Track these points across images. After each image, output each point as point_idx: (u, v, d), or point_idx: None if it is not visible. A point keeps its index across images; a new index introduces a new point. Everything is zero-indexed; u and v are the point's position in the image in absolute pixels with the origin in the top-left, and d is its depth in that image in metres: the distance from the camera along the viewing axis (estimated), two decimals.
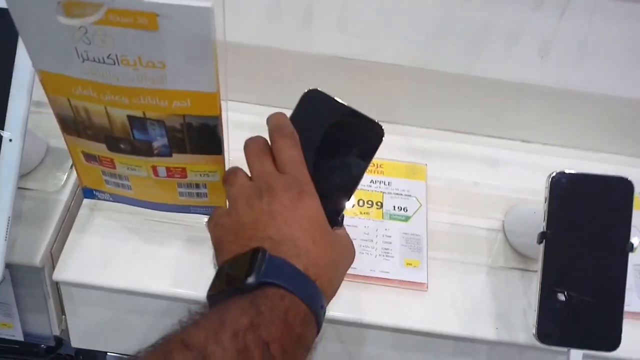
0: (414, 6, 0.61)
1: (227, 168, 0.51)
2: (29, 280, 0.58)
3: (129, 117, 0.47)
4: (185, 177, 0.53)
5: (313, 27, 0.62)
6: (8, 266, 0.56)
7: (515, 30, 0.62)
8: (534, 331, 0.52)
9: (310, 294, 0.36)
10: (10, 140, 0.49)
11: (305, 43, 0.63)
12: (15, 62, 0.48)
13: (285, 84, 0.66)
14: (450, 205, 0.66)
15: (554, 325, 0.51)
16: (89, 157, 0.52)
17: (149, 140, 0.49)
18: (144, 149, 0.50)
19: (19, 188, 0.60)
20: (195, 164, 0.51)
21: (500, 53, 0.63)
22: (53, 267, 0.57)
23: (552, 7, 0.60)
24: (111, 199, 0.57)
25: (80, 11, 0.39)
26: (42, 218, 0.58)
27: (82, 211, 0.60)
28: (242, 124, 0.61)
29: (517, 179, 0.69)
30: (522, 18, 0.61)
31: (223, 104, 0.47)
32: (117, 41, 0.41)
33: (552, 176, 0.52)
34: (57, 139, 0.51)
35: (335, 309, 0.56)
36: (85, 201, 0.60)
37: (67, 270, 0.56)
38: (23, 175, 0.61)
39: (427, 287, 0.60)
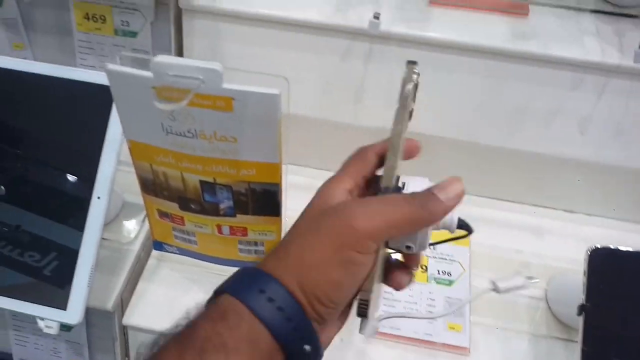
0: (456, 84, 0.66)
1: (283, 228, 0.56)
2: (100, 323, 0.64)
3: (201, 182, 0.53)
4: (246, 235, 0.58)
5: (364, 103, 0.68)
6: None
7: (554, 107, 0.65)
8: None
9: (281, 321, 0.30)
10: (99, 198, 0.55)
11: (356, 117, 0.69)
12: (108, 130, 0.55)
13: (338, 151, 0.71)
14: (493, 270, 0.68)
15: None
16: (162, 214, 0.59)
17: (216, 202, 0.55)
18: (212, 210, 0.56)
19: None
20: (255, 224, 0.57)
21: (540, 129, 0.67)
22: (122, 312, 0.62)
23: (591, 87, 0.64)
24: (178, 252, 0.63)
25: (170, 94, 0.46)
26: (115, 266, 0.65)
27: (151, 261, 0.66)
28: (298, 186, 0.66)
29: (560, 248, 0.71)
30: (561, 97, 0.65)
31: (283, 167, 0.52)
32: (197, 119, 0.48)
33: (590, 250, 0.54)
34: (132, 194, 0.57)
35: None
36: (154, 252, 0.66)
37: (136, 315, 0.61)
38: None
39: (470, 352, 0.62)
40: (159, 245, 0.63)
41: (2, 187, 0.57)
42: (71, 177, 0.57)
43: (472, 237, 0.72)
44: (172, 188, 0.55)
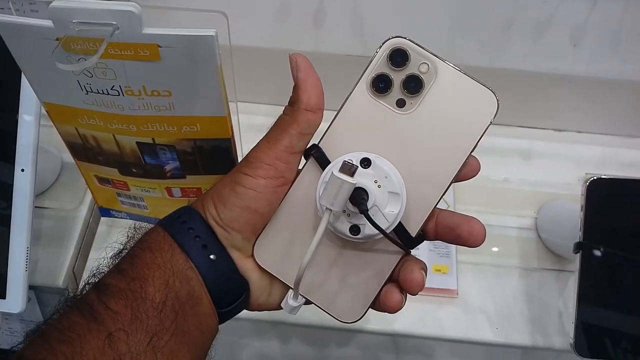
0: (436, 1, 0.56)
1: None
2: (54, 299, 0.58)
3: (138, 144, 0.45)
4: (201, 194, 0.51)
5: (326, 27, 0.59)
6: (32, 287, 0.56)
7: (544, 19, 0.57)
8: (571, 342, 0.50)
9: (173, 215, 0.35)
10: (22, 170, 0.47)
11: (317, 43, 0.60)
12: (21, 91, 0.46)
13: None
14: (480, 204, 0.63)
15: (592, 338, 0.49)
16: (102, 181, 0.51)
17: (160, 164, 0.47)
18: (157, 173, 0.48)
19: (36, 207, 0.60)
20: (210, 184, 0.50)
21: (529, 43, 0.59)
22: (77, 286, 0.57)
23: None
24: (128, 217, 0.56)
25: (78, 46, 0.37)
26: (62, 237, 0.58)
27: (101, 228, 0.59)
28: (254, 125, 0.59)
29: (550, 172, 0.66)
30: (552, 6, 0.56)
31: (232, 105, 0.45)
32: (119, 73, 0.39)
33: (588, 182, 0.48)
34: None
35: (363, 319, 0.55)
36: (103, 218, 0.59)
37: None
38: (39, 194, 0.60)
39: (458, 294, 0.58)
40: (106, 212, 0.56)
41: None
42: None
43: None
44: (107, 152, 0.47)
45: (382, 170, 0.33)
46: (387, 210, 0.33)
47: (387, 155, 0.33)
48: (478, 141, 0.33)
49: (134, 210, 0.54)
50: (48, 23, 0.37)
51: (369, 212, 0.32)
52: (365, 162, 0.33)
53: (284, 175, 0.34)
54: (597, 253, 0.48)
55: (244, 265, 0.36)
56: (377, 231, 0.32)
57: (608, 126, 0.67)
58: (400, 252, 0.34)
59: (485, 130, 0.32)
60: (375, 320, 0.56)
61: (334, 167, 0.33)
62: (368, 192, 0.32)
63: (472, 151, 0.33)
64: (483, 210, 0.63)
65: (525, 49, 0.59)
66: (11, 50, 0.40)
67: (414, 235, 0.34)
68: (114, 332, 0.30)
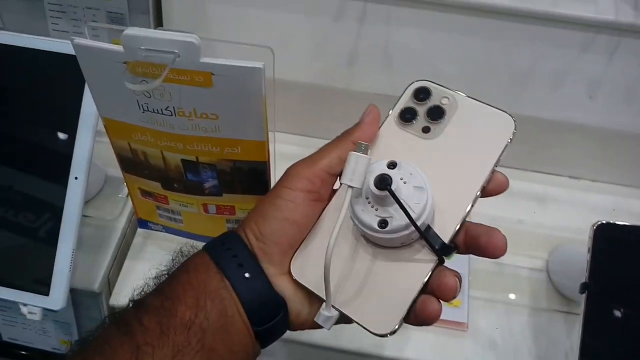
0: (457, 45, 0.61)
1: None
2: (88, 303, 0.62)
3: (183, 161, 0.50)
4: (234, 214, 0.55)
5: (359, 66, 0.64)
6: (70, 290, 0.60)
7: (562, 70, 0.61)
8: None
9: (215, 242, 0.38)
10: (76, 178, 0.52)
11: (350, 81, 0.65)
12: (82, 106, 0.51)
13: (331, 118, 0.68)
14: None
15: None
16: (145, 193, 0.56)
17: (201, 182, 0.52)
18: (196, 189, 0.53)
19: None
20: (243, 203, 0.54)
21: (546, 93, 0.63)
22: (110, 292, 0.60)
23: (602, 48, 0.59)
24: (163, 230, 0.60)
25: (143, 70, 0.42)
26: (100, 244, 0.62)
27: (137, 239, 0.63)
28: (289, 155, 0.63)
29: (563, 217, 0.69)
30: (569, 59, 0.60)
31: (271, 136, 0.49)
32: (175, 96, 0.44)
33: (595, 225, 0.51)
34: (115, 168, 0.54)
35: (372, 345, 0.57)
36: (140, 230, 0.63)
37: (122, 296, 0.59)
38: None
39: (468, 327, 0.60)
40: (143, 224, 0.60)
41: None
42: (46, 157, 0.53)
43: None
44: (153, 167, 0.52)
45: (407, 169, 0.35)
46: (413, 202, 0.34)
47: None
48: (501, 155, 0.36)
49: (170, 223, 0.59)
50: (119, 48, 0.42)
51: (396, 195, 0.33)
52: (392, 165, 0.35)
53: (320, 191, 0.37)
54: (604, 299, 0.51)
55: (280, 282, 0.37)
56: (406, 222, 0.33)
57: (621, 176, 0.70)
58: (433, 259, 0.35)
59: (506, 147, 0.36)
60: (387, 346, 0.59)
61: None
62: (392, 178, 0.33)
63: (495, 164, 0.36)
64: None
65: (543, 98, 0.63)
66: (83, 70, 0.45)
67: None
68: (142, 346, 0.32)
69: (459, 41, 0.61)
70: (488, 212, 0.67)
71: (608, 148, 0.67)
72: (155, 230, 0.61)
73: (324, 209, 0.38)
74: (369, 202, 0.35)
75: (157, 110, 0.46)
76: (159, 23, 0.64)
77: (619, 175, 0.70)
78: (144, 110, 0.46)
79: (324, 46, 0.64)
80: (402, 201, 0.33)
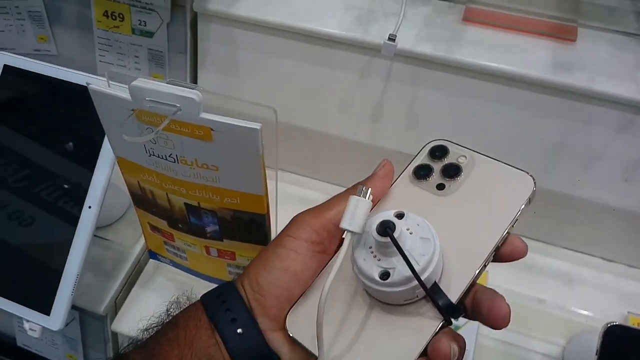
0: (485, 111, 0.59)
1: None
2: (94, 323, 0.64)
3: (186, 205, 0.51)
4: (234, 259, 0.56)
5: (382, 122, 0.63)
6: (78, 308, 0.62)
7: (596, 148, 0.57)
8: None
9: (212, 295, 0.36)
10: (90, 207, 0.55)
11: (373, 136, 0.64)
12: (103, 143, 0.54)
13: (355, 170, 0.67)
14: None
15: None
16: (154, 228, 0.57)
17: (202, 225, 0.53)
18: (198, 232, 0.54)
19: (100, 237, 0.68)
20: (243, 250, 0.54)
21: (578, 170, 0.59)
22: (115, 315, 0.62)
23: None
24: (171, 264, 0.61)
25: (148, 118, 0.44)
26: (114, 268, 0.65)
27: (148, 267, 0.65)
28: (310, 200, 0.63)
29: (590, 302, 0.64)
30: (606, 137, 0.57)
31: (272, 173, 0.49)
32: (177, 145, 0.45)
33: (607, 326, 0.47)
34: None
35: None
36: (152, 260, 0.65)
37: (124, 322, 0.61)
38: (105, 226, 0.68)
39: None
40: (153, 255, 0.62)
41: None
42: (65, 184, 0.56)
43: (490, 277, 0.66)
44: (160, 206, 0.53)
45: (415, 219, 0.33)
46: (418, 254, 0.32)
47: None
48: (517, 216, 0.34)
49: (177, 259, 0.60)
50: (127, 97, 0.44)
51: (399, 243, 0.31)
52: (399, 215, 0.33)
53: (325, 243, 0.35)
54: None
55: (276, 338, 0.34)
56: (408, 275, 0.31)
57: None
58: (438, 320, 0.32)
59: (524, 207, 0.34)
60: None
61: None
62: (396, 225, 0.31)
63: (511, 225, 0.33)
64: (511, 328, 0.62)
65: (575, 175, 0.60)
66: (98, 113, 0.47)
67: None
68: None
69: (488, 108, 0.59)
70: (508, 287, 0.65)
71: None
72: (164, 262, 0.62)
73: (328, 262, 0.36)
74: (372, 251, 0.33)
75: (162, 156, 0.47)
76: (194, 62, 0.67)
77: None
78: (150, 154, 0.48)
79: (349, 100, 0.63)
80: (405, 251, 0.31)
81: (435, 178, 0.37)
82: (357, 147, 0.66)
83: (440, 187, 0.36)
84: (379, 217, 0.33)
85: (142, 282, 0.64)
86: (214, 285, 0.37)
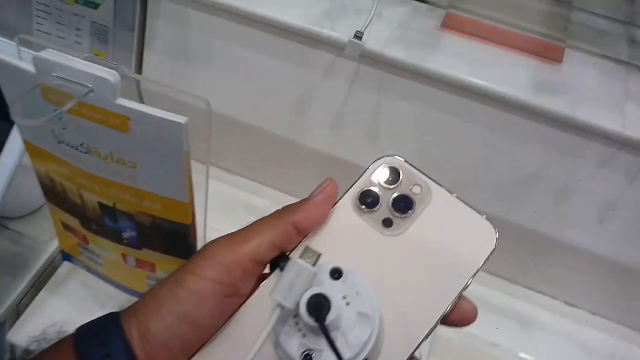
0: (455, 129, 0.53)
1: None
2: None
3: (100, 204, 0.44)
4: (154, 272, 0.48)
5: (342, 132, 0.57)
6: None
7: (571, 184, 0.52)
8: None
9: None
10: None
11: (331, 146, 0.58)
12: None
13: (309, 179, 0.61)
14: None
15: None
16: (66, 227, 0.49)
17: (118, 230, 0.45)
18: (114, 237, 0.46)
19: (11, 230, 0.59)
20: (164, 262, 0.47)
21: (549, 205, 0.54)
22: (15, 322, 0.54)
23: (623, 168, 0.50)
24: (85, 268, 0.54)
25: (56, 97, 0.37)
26: (21, 267, 0.56)
27: (62, 270, 0.57)
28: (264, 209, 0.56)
29: (548, 351, 0.59)
30: (583, 172, 0.51)
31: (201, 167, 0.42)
32: (89, 134, 0.38)
33: None
34: None
35: None
36: (66, 262, 0.57)
37: (25, 331, 0.53)
38: (19, 217, 0.59)
39: None
40: (67, 257, 0.54)
41: None
42: None
43: None
44: (71, 202, 0.46)
45: (355, 284, 0.28)
46: (353, 335, 0.27)
47: (367, 274, 0.29)
48: (471, 279, 0.29)
49: (91, 264, 0.52)
50: (31, 68, 0.36)
51: (328, 332, 0.26)
52: (336, 274, 0.28)
53: (238, 284, 0.28)
54: None
55: None
56: None
57: (627, 316, 0.60)
58: None
59: (480, 268, 0.29)
60: None
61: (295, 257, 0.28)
62: (331, 303, 0.26)
63: (463, 290, 0.28)
64: None
65: (545, 209, 0.54)
66: (1, 85, 0.39)
67: None
68: None
69: (458, 126, 0.54)
70: None
71: (615, 282, 0.57)
72: (78, 266, 0.54)
73: (240, 305, 0.30)
74: (296, 322, 0.27)
75: (72, 145, 0.40)
76: (141, 42, 0.59)
77: (623, 313, 0.60)
78: (59, 141, 0.40)
79: (307, 102, 0.57)
80: (338, 336, 0.26)
81: (383, 210, 0.31)
82: (313, 154, 0.59)
83: (387, 223, 0.30)
84: (308, 267, 0.27)
85: (52, 285, 0.56)
86: (133, 299, 0.29)
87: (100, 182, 0.41)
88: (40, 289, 0.56)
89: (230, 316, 0.29)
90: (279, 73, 0.56)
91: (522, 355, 0.58)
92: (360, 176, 0.32)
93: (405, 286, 0.29)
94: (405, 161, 0.32)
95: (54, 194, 0.46)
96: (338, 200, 0.31)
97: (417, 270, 0.29)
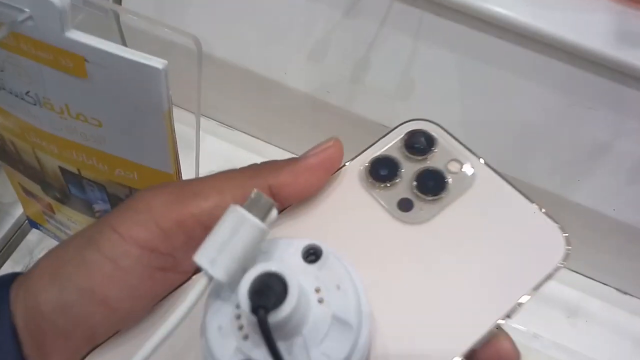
0: (516, 91, 0.43)
1: None
2: None
3: (62, 169, 0.34)
4: None
5: (365, 84, 0.46)
6: None
7: None
8: None
9: None
10: None
11: (349, 101, 0.47)
12: None
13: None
14: None
15: None
16: (27, 192, 0.40)
17: (88, 201, 0.36)
18: (83, 208, 0.37)
19: None
20: None
21: (620, 184, 0.44)
22: None
23: None
24: (55, 238, 0.45)
25: None
26: None
27: (31, 237, 0.49)
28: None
29: (596, 344, 0.51)
30: None
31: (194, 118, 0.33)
32: (36, 78, 0.28)
33: None
34: None
35: None
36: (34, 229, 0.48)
37: None
38: None
39: None
40: (34, 224, 0.46)
41: None
42: None
43: None
44: (27, 164, 0.36)
45: (336, 274, 0.19)
46: (321, 350, 0.18)
47: (363, 275, 0.20)
48: (519, 303, 0.20)
49: (61, 234, 0.44)
50: None
51: (272, 335, 0.17)
52: (312, 254, 0.19)
53: (176, 255, 0.20)
54: None
55: None
56: None
57: None
58: None
59: (535, 288, 0.20)
60: None
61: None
62: (288, 289, 0.17)
63: (504, 317, 0.20)
64: None
65: (614, 188, 0.45)
66: None
67: None
68: None
69: (514, 81, 0.43)
70: None
71: None
72: (47, 235, 0.46)
73: (177, 287, 0.21)
74: (238, 316, 0.18)
75: (16, 93, 0.30)
76: None
77: None
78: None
79: (326, 48, 0.46)
80: (280, 354, 0.17)
81: (401, 186, 0.22)
82: (327, 109, 0.49)
83: (405, 205, 0.22)
84: (273, 256, 0.18)
85: (18, 255, 0.48)
86: None
87: (59, 142, 0.32)
88: (6, 259, 0.48)
89: (162, 299, 0.21)
90: (291, 10, 0.45)
91: (568, 346, 0.50)
92: (378, 140, 0.23)
93: (416, 298, 0.20)
94: (443, 129, 0.23)
95: (4, 153, 0.37)
96: (342, 166, 0.23)
97: (438, 277, 0.21)
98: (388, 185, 0.22)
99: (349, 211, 0.22)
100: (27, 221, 0.46)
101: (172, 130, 0.29)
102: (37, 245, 0.49)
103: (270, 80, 0.49)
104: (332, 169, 0.22)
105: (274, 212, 0.19)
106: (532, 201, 0.22)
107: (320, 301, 0.18)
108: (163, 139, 0.29)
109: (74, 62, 0.26)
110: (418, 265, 0.21)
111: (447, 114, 0.45)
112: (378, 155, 0.23)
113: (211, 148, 0.54)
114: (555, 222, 0.21)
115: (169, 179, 0.31)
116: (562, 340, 0.51)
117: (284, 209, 0.22)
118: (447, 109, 0.45)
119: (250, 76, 0.49)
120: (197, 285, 0.18)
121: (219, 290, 0.19)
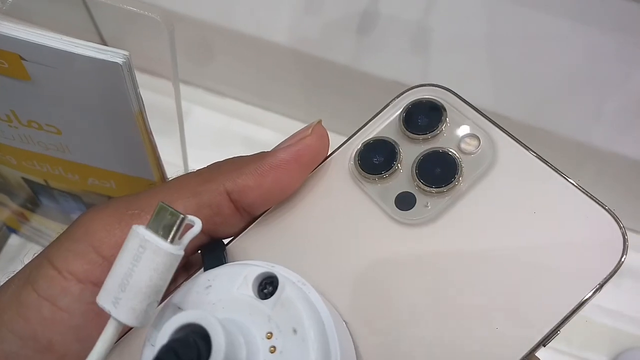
0: (553, 44, 0.36)
1: None
2: None
3: (26, 181, 0.29)
4: None
5: (373, 38, 0.39)
6: None
7: None
8: None
9: None
10: None
11: (356, 57, 0.41)
12: None
13: (321, 104, 0.45)
14: None
15: None
16: None
17: (63, 211, 0.31)
18: (59, 217, 0.32)
19: None
20: None
21: None
22: None
23: None
24: (37, 243, 0.40)
25: None
26: None
27: (13, 240, 0.44)
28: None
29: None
30: None
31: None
32: None
33: None
34: None
35: None
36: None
37: None
38: None
39: None
40: (11, 229, 0.40)
41: None
42: None
43: None
44: None
45: (294, 311, 0.14)
46: None
47: (342, 299, 0.16)
48: (561, 323, 0.16)
49: (40, 240, 0.39)
50: None
51: None
52: (268, 284, 0.15)
53: None
54: None
55: None
56: None
57: None
58: None
59: (582, 302, 0.16)
60: None
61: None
62: (211, 347, 0.13)
63: (540, 342, 0.16)
64: None
65: None
66: None
67: None
68: None
69: (553, 27, 0.36)
70: None
71: None
72: (27, 240, 0.41)
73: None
74: None
75: None
76: None
77: None
78: None
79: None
80: None
81: (400, 177, 0.18)
82: (331, 68, 0.42)
83: (406, 201, 0.17)
84: (178, 316, 0.13)
85: (1, 263, 0.43)
86: None
87: (16, 152, 0.26)
88: None
89: (119, 339, 0.17)
90: None
91: (615, 311, 0.46)
92: (371, 119, 0.19)
93: (429, 315, 0.16)
94: (456, 94, 0.18)
95: None
96: (329, 156, 0.18)
97: (451, 297, 0.16)
98: (383, 176, 0.17)
99: (335, 215, 0.17)
100: (4, 227, 0.41)
101: (148, 133, 0.23)
102: (21, 248, 0.44)
103: (262, 39, 0.42)
104: (312, 162, 0.18)
105: (196, 228, 0.14)
106: (572, 181, 0.16)
107: (272, 351, 0.14)
108: (138, 143, 0.23)
109: (10, 62, 0.20)
110: (419, 281, 0.16)
111: (472, 67, 0.38)
112: (370, 139, 0.18)
113: (200, 121, 0.48)
114: (609, 210, 0.16)
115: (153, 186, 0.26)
116: (606, 305, 0.47)
117: (256, 219, 0.18)
118: (465, 66, 0.38)
119: (238, 36, 0.42)
120: (105, 331, 0.14)
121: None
